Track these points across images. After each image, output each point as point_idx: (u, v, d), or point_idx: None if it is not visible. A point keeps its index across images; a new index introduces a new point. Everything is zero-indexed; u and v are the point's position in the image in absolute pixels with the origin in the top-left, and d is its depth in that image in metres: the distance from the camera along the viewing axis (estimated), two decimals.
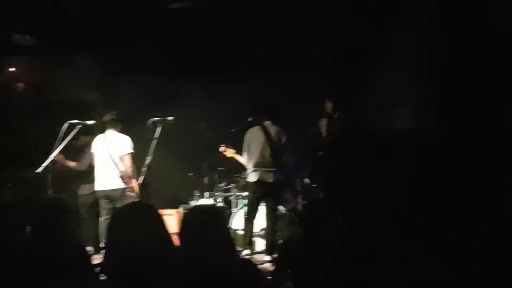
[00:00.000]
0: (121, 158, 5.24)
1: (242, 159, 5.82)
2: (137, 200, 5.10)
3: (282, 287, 3.10)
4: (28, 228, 3.62)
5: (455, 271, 2.09)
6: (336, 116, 5.89)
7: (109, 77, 7.41)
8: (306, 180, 5.94)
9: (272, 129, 5.44)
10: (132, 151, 5.29)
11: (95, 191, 5.38)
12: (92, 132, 5.67)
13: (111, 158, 5.20)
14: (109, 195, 5.27)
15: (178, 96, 7.36)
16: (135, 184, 5.20)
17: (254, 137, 5.46)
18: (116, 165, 5.19)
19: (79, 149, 5.81)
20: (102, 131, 5.42)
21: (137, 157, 5.46)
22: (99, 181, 5.34)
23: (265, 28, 6.20)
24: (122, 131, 5.44)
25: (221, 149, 5.94)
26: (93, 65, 7.18)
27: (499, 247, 2.04)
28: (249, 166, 5.50)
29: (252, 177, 5.44)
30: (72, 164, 5.72)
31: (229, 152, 5.95)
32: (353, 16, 5.94)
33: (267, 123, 5.48)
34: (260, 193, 5.43)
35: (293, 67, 7.04)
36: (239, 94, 7.14)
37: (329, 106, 6.05)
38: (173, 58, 6.81)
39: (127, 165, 5.23)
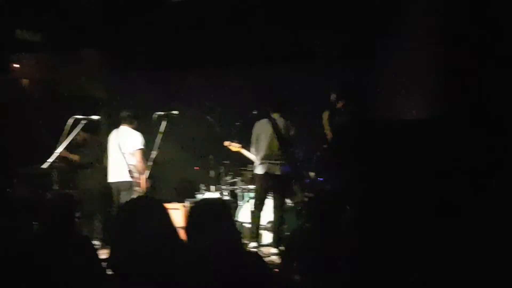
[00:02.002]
0: (132, 154, 5.44)
1: (248, 153, 5.80)
2: (142, 194, 5.17)
3: (289, 280, 3.09)
4: (35, 224, 3.64)
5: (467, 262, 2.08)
6: (340, 107, 5.83)
7: (114, 72, 7.41)
8: (312, 174, 5.91)
9: (280, 122, 5.41)
10: (142, 147, 5.47)
11: (109, 183, 5.62)
12: (94, 128, 5.81)
13: (121, 152, 5.40)
14: (118, 187, 5.50)
15: (184, 90, 7.36)
16: (142, 179, 5.33)
17: (263, 129, 5.42)
18: (126, 159, 5.37)
19: (80, 144, 5.87)
20: (116, 126, 5.68)
21: (144, 152, 5.55)
22: (110, 174, 5.61)
23: (271, 20, 6.17)
24: (137, 127, 5.64)
25: (226, 143, 5.91)
26: (98, 60, 7.18)
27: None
28: (257, 159, 5.47)
29: (259, 169, 5.41)
30: (76, 158, 5.81)
31: (234, 147, 5.93)
32: (361, 7, 5.89)
33: (276, 115, 5.44)
34: (267, 185, 5.41)
35: (300, 59, 7.00)
36: (245, 87, 7.12)
37: (333, 97, 6.00)
38: (178, 52, 6.79)
39: (136, 160, 5.41)
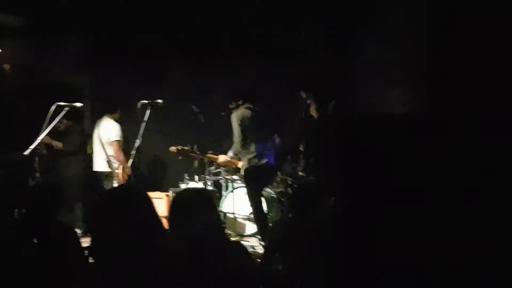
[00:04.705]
0: (110, 144, 5.59)
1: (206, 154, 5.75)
2: (123, 183, 5.17)
3: (271, 270, 3.12)
4: (16, 211, 3.60)
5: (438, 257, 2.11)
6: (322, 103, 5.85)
7: (98, 59, 7.32)
8: (295, 165, 5.92)
9: (259, 113, 5.37)
10: (117, 138, 5.60)
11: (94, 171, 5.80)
12: (77, 115, 5.85)
13: (101, 143, 5.59)
14: (99, 177, 5.70)
15: (169, 79, 7.31)
16: (120, 170, 5.43)
17: (250, 119, 5.31)
18: (104, 149, 5.54)
19: (63, 131, 5.84)
20: (100, 115, 5.88)
21: (127, 141, 5.65)
22: (94, 163, 5.80)
23: (255, 11, 6.15)
24: (119, 118, 5.80)
25: (172, 149, 5.78)
26: (82, 46, 7.08)
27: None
28: (250, 150, 5.29)
29: (256, 161, 5.25)
30: (59, 145, 5.77)
31: (184, 151, 5.79)
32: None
33: (251, 106, 5.37)
34: (263, 177, 5.36)
35: (283, 52, 6.99)
36: (229, 76, 7.09)
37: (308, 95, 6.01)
38: (162, 39, 6.73)
39: (113, 151, 5.55)
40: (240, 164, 5.49)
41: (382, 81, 5.62)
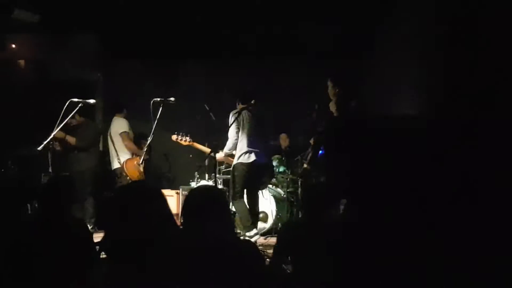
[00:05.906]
0: (120, 137, 5.80)
1: (201, 146, 5.80)
2: (139, 180, 5.21)
3: (281, 270, 3.11)
4: (27, 206, 3.62)
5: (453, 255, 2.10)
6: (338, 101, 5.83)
7: (111, 57, 7.37)
8: (306, 167, 5.89)
9: (257, 112, 5.38)
10: (124, 130, 5.80)
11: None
12: (90, 111, 6.02)
13: (111, 140, 5.85)
14: (114, 174, 5.88)
15: (181, 77, 7.35)
16: (124, 164, 5.65)
17: (247, 118, 5.31)
18: (114, 146, 5.78)
19: (76, 127, 5.89)
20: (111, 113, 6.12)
21: (138, 138, 5.85)
22: (111, 160, 6.00)
23: (266, 10, 6.16)
24: (126, 117, 5.98)
25: (174, 138, 5.80)
26: (96, 44, 7.13)
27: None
28: (241, 147, 5.27)
29: (246, 158, 5.29)
30: (72, 141, 5.82)
31: (185, 142, 5.78)
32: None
33: (256, 107, 5.36)
34: (254, 173, 5.35)
35: (297, 53, 7.00)
36: (240, 76, 7.11)
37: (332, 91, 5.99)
38: (175, 39, 6.76)
39: (123, 143, 5.76)
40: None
41: (401, 82, 5.59)
